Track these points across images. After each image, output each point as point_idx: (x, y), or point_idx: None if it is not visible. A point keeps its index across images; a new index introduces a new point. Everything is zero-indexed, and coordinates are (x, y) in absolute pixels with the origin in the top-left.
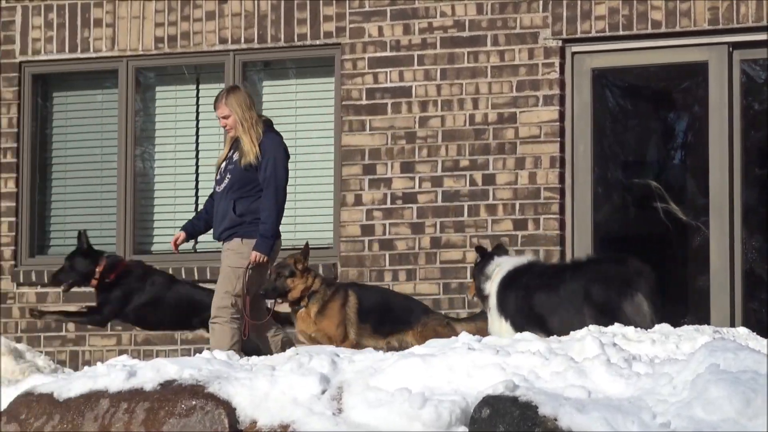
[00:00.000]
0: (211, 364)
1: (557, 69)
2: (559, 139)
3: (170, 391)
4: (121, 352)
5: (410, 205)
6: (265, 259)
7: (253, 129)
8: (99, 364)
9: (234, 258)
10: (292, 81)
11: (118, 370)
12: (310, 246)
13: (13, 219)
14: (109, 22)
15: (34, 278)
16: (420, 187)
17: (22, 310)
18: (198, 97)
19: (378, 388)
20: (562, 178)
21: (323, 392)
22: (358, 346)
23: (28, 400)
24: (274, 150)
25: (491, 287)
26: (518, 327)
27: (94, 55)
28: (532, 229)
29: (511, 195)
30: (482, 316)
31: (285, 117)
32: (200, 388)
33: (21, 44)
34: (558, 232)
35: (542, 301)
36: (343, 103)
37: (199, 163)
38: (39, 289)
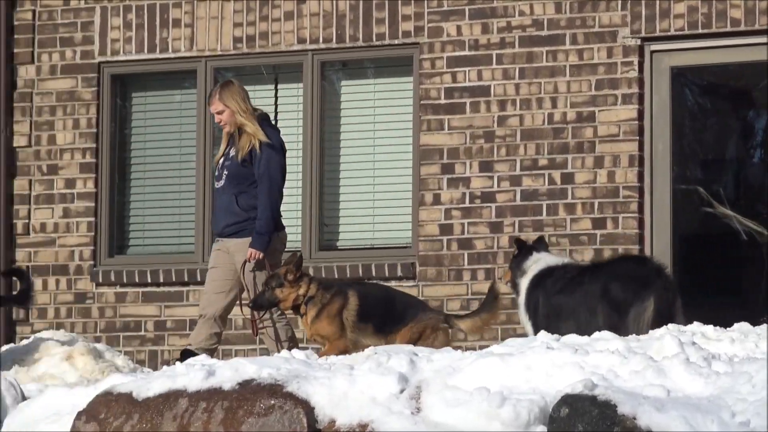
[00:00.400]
0: (290, 364)
1: (636, 67)
2: (637, 137)
3: (249, 390)
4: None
5: (489, 204)
6: (261, 256)
7: (252, 118)
8: (178, 363)
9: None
10: (371, 81)
11: (197, 370)
12: (302, 256)
13: (92, 219)
14: (188, 23)
15: (113, 278)
16: (498, 186)
17: (101, 309)
18: (276, 97)
19: (456, 387)
20: (641, 177)
21: (402, 391)
22: (356, 346)
23: (107, 399)
24: (269, 145)
25: (524, 284)
26: (538, 329)
27: (172, 55)
28: (610, 228)
29: (590, 194)
30: (484, 310)
31: (363, 117)
32: (279, 388)
33: (100, 45)
34: (637, 230)
35: (561, 303)
36: (422, 102)
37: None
38: (117, 289)
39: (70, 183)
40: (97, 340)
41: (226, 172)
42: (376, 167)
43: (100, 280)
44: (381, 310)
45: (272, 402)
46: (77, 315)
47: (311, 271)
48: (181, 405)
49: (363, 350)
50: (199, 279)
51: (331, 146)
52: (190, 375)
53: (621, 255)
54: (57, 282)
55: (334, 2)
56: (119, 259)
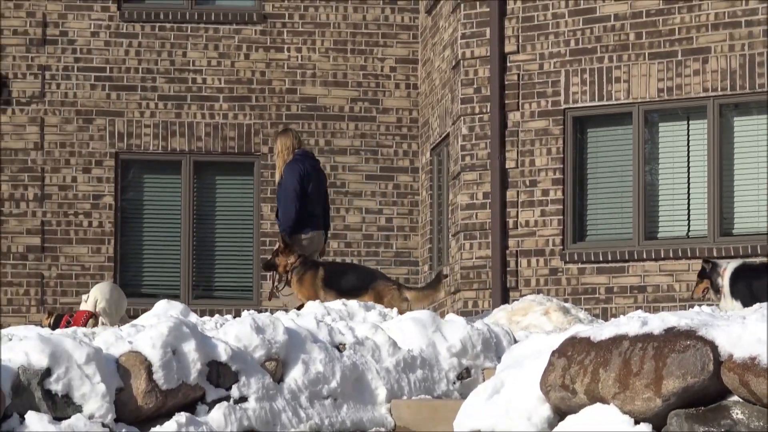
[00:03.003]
0: (700, 315)
1: None
2: None
3: (671, 334)
4: (637, 308)
5: None
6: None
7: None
8: (621, 317)
9: None
10: (759, 117)
11: (635, 321)
12: (285, 239)
13: (560, 217)
14: (625, 79)
15: (575, 257)
16: None
17: (568, 279)
18: (688, 132)
19: None
20: None
21: None
22: None
23: (572, 341)
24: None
25: (723, 281)
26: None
27: (614, 102)
28: None
29: None
30: (431, 287)
31: (756, 148)
32: (692, 332)
33: (564, 96)
34: None
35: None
36: None
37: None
38: (579, 265)
39: (544, 192)
40: (565, 301)
41: None
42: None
43: (567, 259)
44: (342, 279)
45: (688, 342)
46: (551, 284)
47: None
48: (624, 345)
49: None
50: (636, 257)
51: (727, 166)
52: (630, 324)
53: None
54: (537, 261)
55: (728, 61)
56: (580, 244)
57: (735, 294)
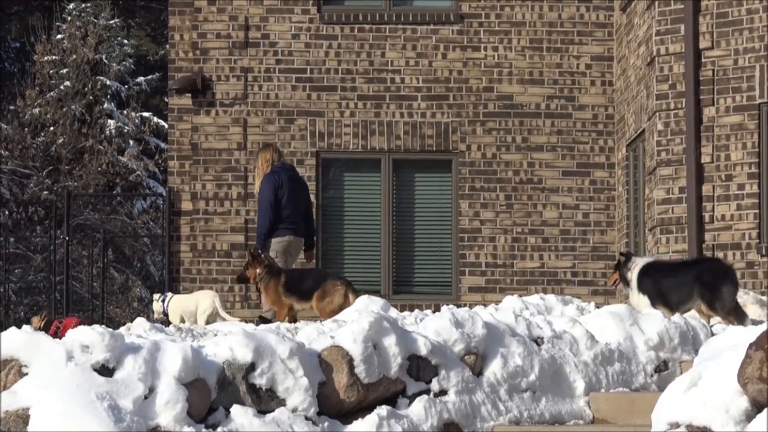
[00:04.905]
0: None
1: None
2: None
3: None
4: None
5: None
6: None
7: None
8: None
9: None
10: None
11: None
12: (252, 250)
13: (756, 211)
14: None
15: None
16: None
17: (765, 273)
18: None
19: None
20: None
21: None
22: (291, 309)
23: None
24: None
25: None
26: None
27: None
28: None
29: None
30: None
31: None
32: None
33: (759, 90)
34: None
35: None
36: None
37: None
38: None
39: (740, 186)
40: (762, 294)
41: None
42: None
43: (763, 252)
44: (299, 283)
45: None
46: (747, 277)
47: None
48: None
49: (296, 311)
50: None
51: None
52: None
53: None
54: (733, 254)
55: None
56: None
57: (641, 289)
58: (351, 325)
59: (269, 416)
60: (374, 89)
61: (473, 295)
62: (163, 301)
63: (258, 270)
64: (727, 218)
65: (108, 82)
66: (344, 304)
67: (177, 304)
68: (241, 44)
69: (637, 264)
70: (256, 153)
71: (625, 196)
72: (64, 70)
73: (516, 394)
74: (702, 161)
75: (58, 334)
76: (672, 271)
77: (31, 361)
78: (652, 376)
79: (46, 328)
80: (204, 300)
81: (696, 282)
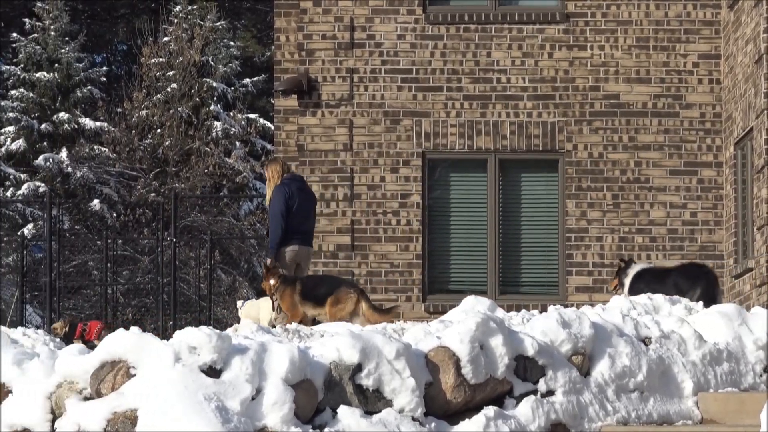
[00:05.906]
0: None
1: None
2: None
3: None
4: None
5: None
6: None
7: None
8: None
9: None
10: None
11: None
12: (268, 263)
13: None
14: None
15: None
16: None
17: None
18: None
19: None
20: None
21: None
22: (305, 317)
23: None
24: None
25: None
26: None
27: None
28: None
29: None
30: (383, 313)
31: None
32: None
33: None
34: None
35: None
36: None
37: None
38: None
39: None
40: None
41: None
42: None
43: None
44: (314, 290)
45: None
46: None
47: None
48: None
49: (313, 318)
50: None
51: None
52: None
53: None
54: None
55: None
56: None
57: (633, 294)
58: (458, 326)
59: (376, 417)
60: (480, 89)
61: (580, 295)
62: (242, 306)
63: (272, 281)
64: None
65: (214, 84)
66: (355, 312)
67: (247, 310)
68: (347, 45)
69: (634, 270)
70: (265, 165)
71: (733, 195)
72: (171, 73)
73: (623, 394)
74: None
75: (84, 337)
76: (660, 276)
77: (138, 362)
78: (761, 375)
79: (71, 332)
80: (265, 307)
81: (674, 287)
